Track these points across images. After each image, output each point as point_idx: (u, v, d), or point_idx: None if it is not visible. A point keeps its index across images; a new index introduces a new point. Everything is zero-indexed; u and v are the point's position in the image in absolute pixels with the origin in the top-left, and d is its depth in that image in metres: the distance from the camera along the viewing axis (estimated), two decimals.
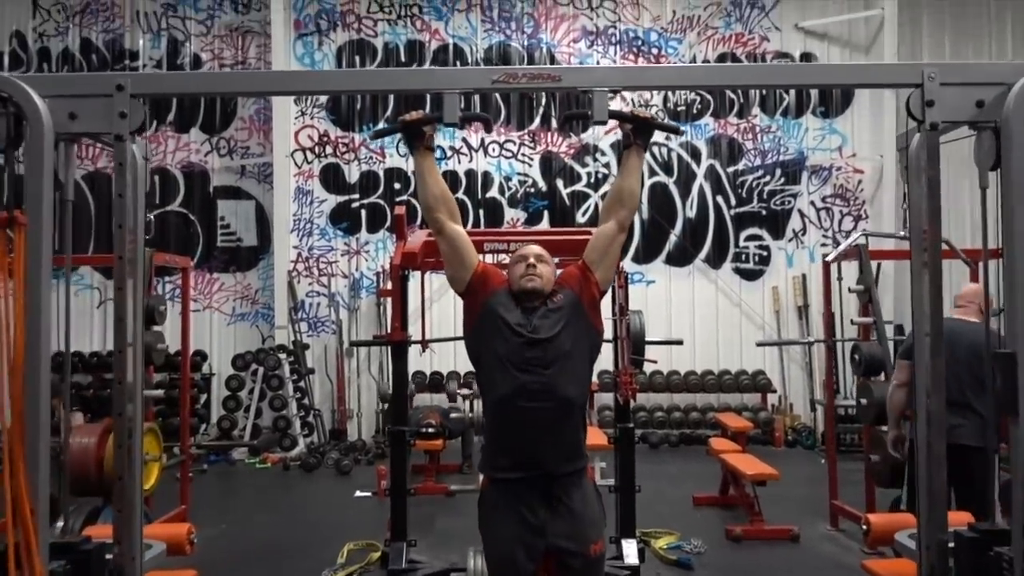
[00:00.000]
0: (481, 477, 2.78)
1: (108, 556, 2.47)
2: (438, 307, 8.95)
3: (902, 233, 3.50)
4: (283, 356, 8.97)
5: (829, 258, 4.89)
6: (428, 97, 8.87)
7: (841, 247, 4.81)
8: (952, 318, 4.12)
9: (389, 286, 5.49)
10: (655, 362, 4.69)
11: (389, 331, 4.73)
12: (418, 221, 8.27)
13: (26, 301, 2.15)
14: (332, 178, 9.71)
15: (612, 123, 8.06)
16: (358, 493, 6.79)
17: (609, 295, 4.82)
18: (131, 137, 2.37)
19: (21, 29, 9.78)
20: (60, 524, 4.23)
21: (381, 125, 9.66)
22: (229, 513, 6.22)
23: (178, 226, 9.64)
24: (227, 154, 9.77)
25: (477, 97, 9.57)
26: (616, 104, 9.61)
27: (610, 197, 2.67)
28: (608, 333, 4.97)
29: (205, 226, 9.71)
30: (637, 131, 2.50)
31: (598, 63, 9.72)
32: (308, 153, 9.69)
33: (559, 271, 2.78)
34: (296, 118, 9.68)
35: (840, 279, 6.01)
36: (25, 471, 2.14)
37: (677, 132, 2.66)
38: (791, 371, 9.54)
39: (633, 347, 4.65)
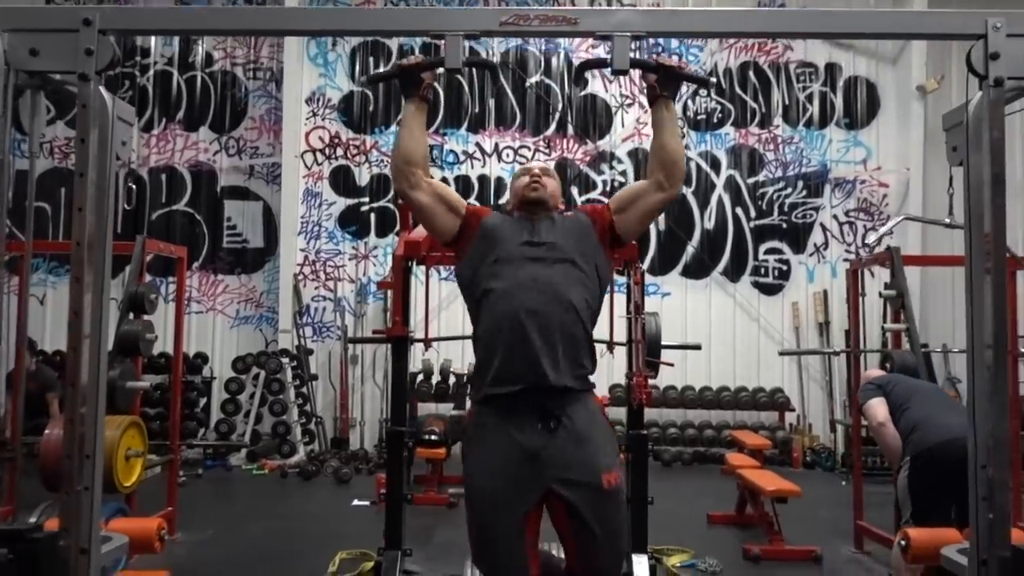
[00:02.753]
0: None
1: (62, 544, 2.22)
2: (446, 314, 8.72)
3: (947, 220, 3.22)
4: (285, 360, 8.72)
5: (871, 240, 4.59)
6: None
7: (884, 228, 4.49)
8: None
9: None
10: (672, 365, 4.38)
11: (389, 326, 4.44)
12: None
13: None
14: (342, 180, 9.49)
15: (629, 131, 7.70)
16: (355, 502, 6.50)
17: (624, 294, 4.54)
18: (98, 78, 2.13)
19: None
20: (33, 520, 4.00)
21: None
22: (219, 519, 5.94)
23: (183, 226, 9.43)
24: (236, 154, 9.58)
25: (493, 102, 9.39)
26: (632, 118, 9.40)
27: (650, 157, 2.43)
28: (621, 335, 4.74)
29: (211, 226, 9.50)
30: (662, 82, 2.25)
31: None
32: (318, 155, 9.49)
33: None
34: (307, 119, 9.49)
35: (863, 294, 5.74)
36: None
37: (706, 85, 2.43)
38: (810, 389, 9.18)
39: (648, 350, 4.37)
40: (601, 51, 8.25)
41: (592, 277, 2.36)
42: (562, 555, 2.39)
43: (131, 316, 4.66)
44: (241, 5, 8.71)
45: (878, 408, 3.86)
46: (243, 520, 5.97)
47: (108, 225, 2.18)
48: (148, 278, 7.86)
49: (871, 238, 4.91)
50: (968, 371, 2.13)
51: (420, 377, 7.98)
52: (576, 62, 9.52)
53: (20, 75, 2.18)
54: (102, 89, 2.18)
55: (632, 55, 2.12)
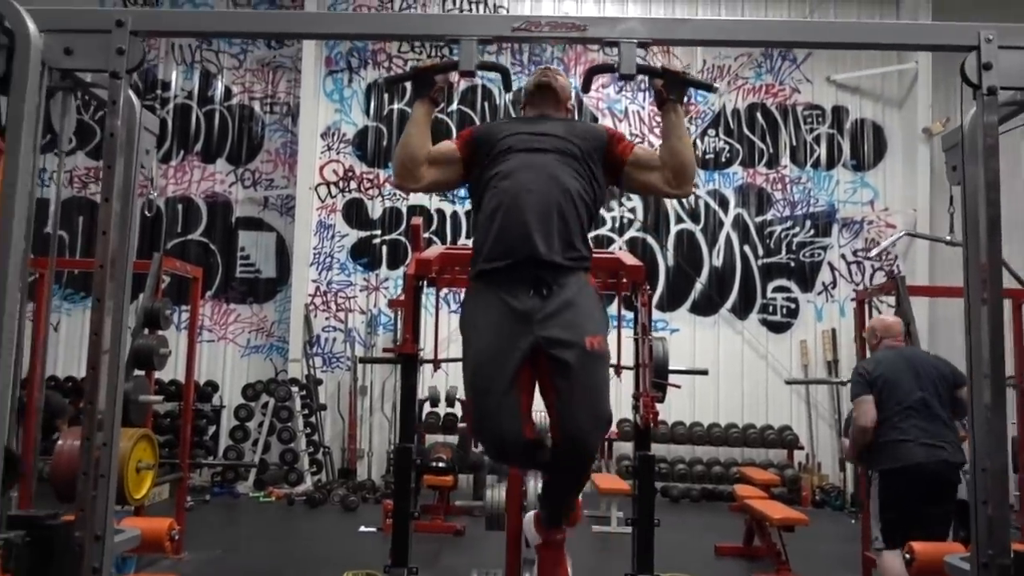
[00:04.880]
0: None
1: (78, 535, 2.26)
2: (455, 346, 8.74)
3: (948, 237, 3.28)
4: (295, 389, 8.76)
5: (872, 253, 4.65)
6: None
7: (887, 242, 4.54)
8: (899, 347, 4.13)
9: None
10: (679, 387, 4.42)
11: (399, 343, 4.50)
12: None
13: None
14: (355, 213, 9.64)
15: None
16: (362, 528, 6.50)
17: (632, 315, 4.58)
18: (128, 77, 2.24)
19: None
20: None
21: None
22: (227, 540, 5.95)
23: (198, 255, 9.55)
24: (251, 185, 9.75)
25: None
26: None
27: (660, 154, 2.49)
28: (628, 359, 4.77)
29: (225, 256, 9.63)
30: (668, 86, 2.34)
31: (626, 109, 9.69)
32: (332, 187, 9.65)
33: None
34: (322, 152, 9.68)
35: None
36: None
37: (711, 89, 2.49)
38: (819, 427, 9.14)
39: (656, 371, 4.41)
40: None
41: (589, 177, 2.45)
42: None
43: (146, 332, 4.73)
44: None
45: (869, 410, 3.91)
46: (250, 542, 5.99)
47: (133, 218, 2.28)
48: None
49: (873, 252, 4.97)
50: (969, 399, 2.19)
51: (428, 407, 7.99)
52: (585, 100, 9.70)
53: (54, 75, 2.29)
54: (131, 92, 2.30)
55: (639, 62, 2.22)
